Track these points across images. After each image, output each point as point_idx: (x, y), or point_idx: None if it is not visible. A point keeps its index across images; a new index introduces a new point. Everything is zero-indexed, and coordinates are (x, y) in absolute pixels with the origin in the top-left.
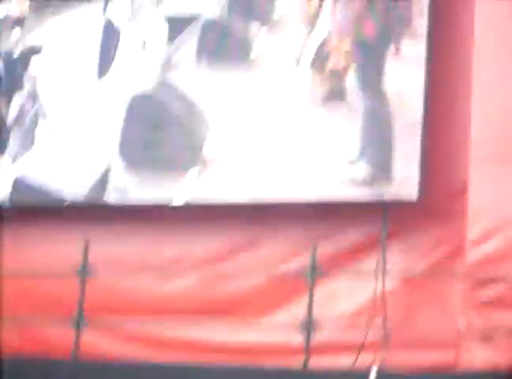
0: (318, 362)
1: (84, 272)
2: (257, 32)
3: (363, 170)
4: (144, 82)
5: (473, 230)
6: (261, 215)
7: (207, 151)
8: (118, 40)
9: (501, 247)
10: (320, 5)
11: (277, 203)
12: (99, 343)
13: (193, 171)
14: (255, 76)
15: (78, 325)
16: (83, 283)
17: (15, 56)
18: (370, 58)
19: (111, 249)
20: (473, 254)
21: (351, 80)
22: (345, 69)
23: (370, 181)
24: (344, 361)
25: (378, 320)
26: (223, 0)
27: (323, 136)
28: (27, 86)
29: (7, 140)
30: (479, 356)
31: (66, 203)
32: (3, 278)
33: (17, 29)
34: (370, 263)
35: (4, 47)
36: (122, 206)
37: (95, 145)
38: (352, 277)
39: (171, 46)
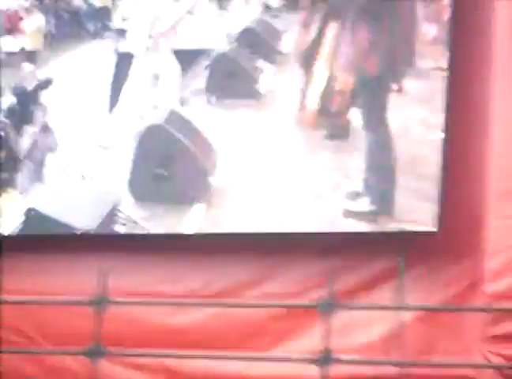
0: None
1: (100, 302)
2: (263, 69)
3: (366, 204)
4: (155, 116)
5: (491, 264)
6: (277, 248)
7: (215, 183)
8: (129, 74)
9: None
10: (324, 43)
11: (284, 234)
12: (115, 373)
13: (202, 204)
14: (262, 111)
15: (94, 355)
16: (99, 313)
17: (27, 90)
18: (373, 94)
19: (127, 280)
20: (491, 288)
21: (354, 117)
22: (348, 106)
23: (377, 215)
24: None
25: (395, 354)
26: (232, 36)
27: (328, 169)
28: (38, 119)
29: (18, 173)
30: None
31: (80, 232)
32: (21, 307)
33: (30, 63)
34: (387, 295)
35: (16, 81)
36: (139, 238)
37: (105, 179)
38: (369, 309)
39: (182, 79)
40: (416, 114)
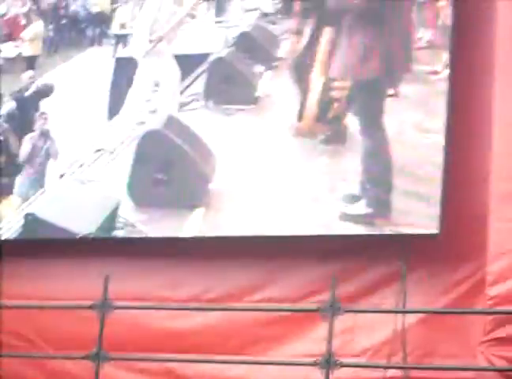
0: None
1: (103, 306)
2: (261, 75)
3: (362, 207)
4: (154, 121)
5: (494, 267)
6: (277, 253)
7: (214, 188)
8: (129, 80)
9: None
10: (318, 49)
11: (283, 237)
12: (117, 377)
13: (201, 208)
14: (260, 116)
15: (97, 360)
16: (102, 317)
17: (27, 95)
18: (370, 98)
19: (129, 284)
20: (494, 291)
21: (351, 121)
22: (345, 111)
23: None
24: None
25: (398, 357)
26: (230, 41)
27: (325, 174)
28: (38, 125)
29: (17, 178)
30: None
31: (79, 236)
32: (23, 312)
33: (30, 69)
34: (388, 299)
35: (16, 87)
36: (139, 242)
37: (105, 183)
38: (371, 313)
39: (181, 84)
40: (412, 118)
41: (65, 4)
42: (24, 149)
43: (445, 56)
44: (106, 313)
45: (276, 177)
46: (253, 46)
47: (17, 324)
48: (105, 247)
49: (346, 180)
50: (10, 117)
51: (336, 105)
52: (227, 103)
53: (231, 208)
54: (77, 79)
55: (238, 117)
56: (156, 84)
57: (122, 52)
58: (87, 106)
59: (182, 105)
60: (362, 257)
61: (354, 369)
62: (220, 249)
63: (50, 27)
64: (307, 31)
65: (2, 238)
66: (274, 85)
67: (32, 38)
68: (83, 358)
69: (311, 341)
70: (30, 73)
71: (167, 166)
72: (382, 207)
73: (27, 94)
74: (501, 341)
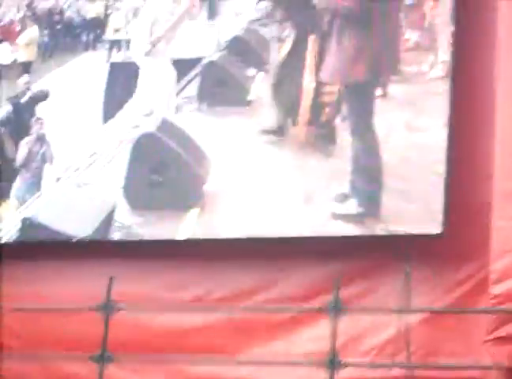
0: None
1: (107, 308)
2: (253, 78)
3: (353, 206)
4: (148, 124)
5: (497, 266)
6: (280, 252)
7: (209, 189)
8: (124, 84)
9: None
10: (306, 54)
11: (277, 238)
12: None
13: (196, 209)
14: (253, 117)
15: (102, 361)
16: (106, 319)
17: (23, 100)
18: (360, 100)
19: (133, 285)
20: (497, 289)
21: (340, 122)
22: (335, 113)
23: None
24: None
25: (402, 356)
26: (222, 45)
27: (316, 174)
28: (34, 130)
29: (14, 181)
30: None
31: (75, 239)
32: (27, 314)
33: (25, 74)
34: (393, 298)
35: (12, 92)
36: (135, 245)
37: (100, 186)
38: (375, 313)
39: (175, 87)
40: (401, 118)
41: (59, 10)
42: (21, 154)
43: (431, 57)
44: (110, 314)
45: (268, 178)
46: (245, 50)
47: (18, 326)
48: (103, 250)
49: (337, 180)
50: (7, 122)
51: (327, 110)
52: (220, 106)
53: (225, 209)
54: (72, 83)
55: (231, 119)
56: (151, 87)
57: (116, 57)
58: (82, 110)
59: (177, 108)
60: (363, 257)
61: (358, 369)
62: (218, 251)
63: (45, 32)
64: (292, 36)
65: (1, 242)
66: (267, 88)
67: (27, 43)
68: (89, 359)
69: (315, 342)
70: (25, 78)
71: (161, 168)
72: (372, 205)
73: (22, 99)
74: (505, 339)
